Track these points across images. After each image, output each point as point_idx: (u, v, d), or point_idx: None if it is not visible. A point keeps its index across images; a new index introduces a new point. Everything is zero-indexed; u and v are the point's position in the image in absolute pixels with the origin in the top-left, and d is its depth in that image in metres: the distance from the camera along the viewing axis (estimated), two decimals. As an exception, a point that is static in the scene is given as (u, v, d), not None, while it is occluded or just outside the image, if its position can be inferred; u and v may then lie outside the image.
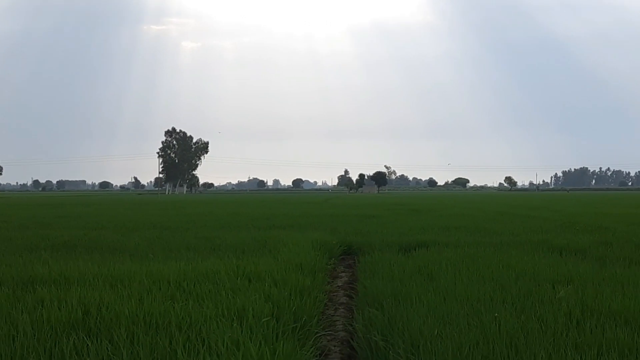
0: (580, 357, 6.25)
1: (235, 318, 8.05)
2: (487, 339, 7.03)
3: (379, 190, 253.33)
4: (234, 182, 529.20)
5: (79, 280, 11.15)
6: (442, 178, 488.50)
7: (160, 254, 15.52)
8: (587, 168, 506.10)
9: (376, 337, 7.52)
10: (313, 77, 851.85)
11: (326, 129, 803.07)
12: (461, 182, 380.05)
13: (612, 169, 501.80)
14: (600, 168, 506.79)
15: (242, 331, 7.29)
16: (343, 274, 15.54)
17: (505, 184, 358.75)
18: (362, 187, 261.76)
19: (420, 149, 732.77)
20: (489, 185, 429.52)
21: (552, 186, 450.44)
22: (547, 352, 6.51)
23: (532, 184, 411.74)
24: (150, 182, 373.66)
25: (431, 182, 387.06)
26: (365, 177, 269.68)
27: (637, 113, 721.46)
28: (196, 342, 7.02)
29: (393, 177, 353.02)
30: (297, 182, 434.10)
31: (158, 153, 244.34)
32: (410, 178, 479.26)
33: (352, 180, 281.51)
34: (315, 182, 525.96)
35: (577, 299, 9.35)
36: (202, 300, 9.25)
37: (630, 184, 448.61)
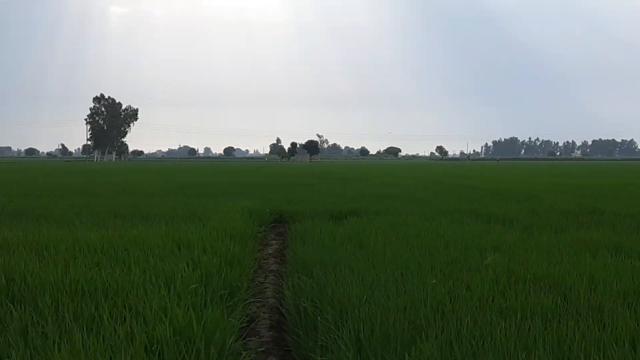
0: (505, 322, 6.33)
1: (163, 285, 7.96)
2: (414, 304, 7.07)
3: (311, 159, 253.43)
4: (165, 149, 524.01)
5: (3, 247, 10.90)
6: (374, 147, 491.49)
7: (88, 222, 15.27)
8: (516, 138, 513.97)
9: (305, 303, 7.51)
10: (245, 44, 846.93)
11: (258, 97, 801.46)
12: (393, 152, 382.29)
13: (541, 139, 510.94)
14: (530, 138, 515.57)
15: (169, 298, 7.22)
16: (274, 242, 15.56)
17: (437, 154, 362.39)
18: (294, 155, 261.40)
19: (353, 118, 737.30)
20: (420, 154, 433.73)
21: (483, 156, 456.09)
22: (473, 317, 6.58)
23: (463, 153, 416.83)
24: (79, 149, 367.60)
25: (363, 151, 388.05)
26: (297, 146, 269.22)
27: (566, 85, 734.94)
28: (123, 308, 6.93)
29: (325, 146, 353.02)
30: (229, 151, 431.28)
31: (86, 120, 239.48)
32: (343, 147, 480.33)
33: (284, 149, 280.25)
34: (247, 151, 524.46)
35: (504, 265, 9.48)
36: (129, 267, 9.13)
37: (558, 153, 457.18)
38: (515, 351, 5.49)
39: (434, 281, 8.33)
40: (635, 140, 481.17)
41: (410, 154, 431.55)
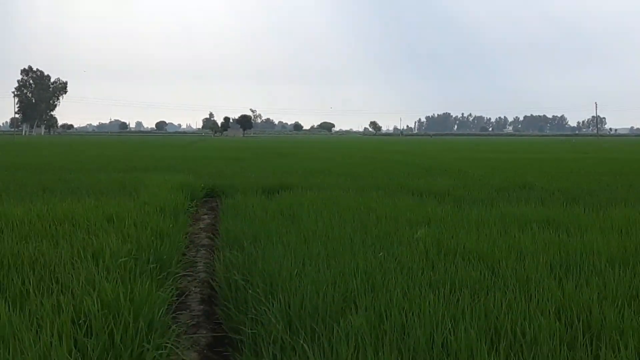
0: (434, 294, 6.40)
1: (91, 258, 7.87)
2: (345, 278, 7.11)
3: (244, 134, 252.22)
4: (95, 123, 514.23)
5: None
6: (308, 122, 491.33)
7: (15, 196, 14.96)
8: (449, 114, 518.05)
9: (236, 276, 7.50)
10: (177, 16, 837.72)
11: (191, 71, 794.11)
12: (327, 127, 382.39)
13: (473, 115, 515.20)
14: (463, 114, 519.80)
15: (98, 271, 7.13)
16: (206, 217, 15.50)
17: (370, 129, 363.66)
18: (227, 130, 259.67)
19: (287, 92, 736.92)
20: (354, 129, 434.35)
21: (416, 131, 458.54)
22: (403, 289, 6.63)
23: (397, 128, 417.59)
24: (6, 122, 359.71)
25: (297, 126, 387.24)
26: (231, 121, 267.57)
27: (499, 61, 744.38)
28: (50, 282, 6.84)
29: (259, 120, 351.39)
30: (161, 125, 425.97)
31: (14, 92, 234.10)
32: (276, 122, 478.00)
33: (217, 124, 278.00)
34: (180, 125, 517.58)
35: (434, 239, 9.57)
36: (57, 242, 9.00)
37: (490, 129, 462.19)
38: (443, 322, 5.55)
39: (381, 254, 8.39)
40: (565, 116, 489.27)
41: (344, 129, 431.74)
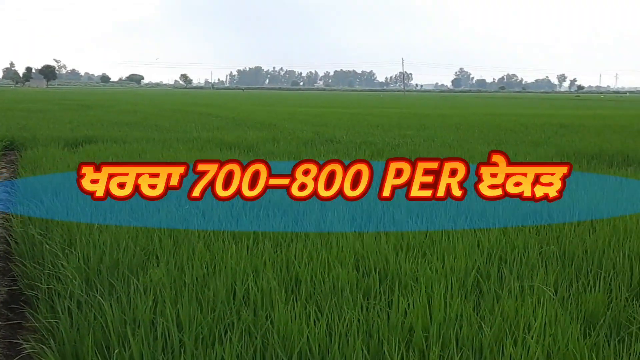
0: (237, 246, 6.46)
1: None
2: (148, 232, 7.06)
3: (48, 85, 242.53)
4: None
5: None
6: (116, 74, 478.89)
7: None
8: (261, 67, 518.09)
9: (33, 231, 7.25)
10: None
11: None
12: (135, 79, 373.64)
13: (285, 69, 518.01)
14: (274, 68, 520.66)
15: None
16: (4, 170, 14.90)
17: (181, 82, 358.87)
18: (29, 81, 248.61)
19: (93, 42, 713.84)
20: (164, 82, 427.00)
21: (228, 85, 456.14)
22: (206, 242, 6.69)
23: (208, 82, 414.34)
24: None
25: (104, 78, 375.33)
26: (33, 71, 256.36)
27: (309, 14, 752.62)
28: None
29: (63, 71, 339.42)
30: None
31: None
32: (82, 73, 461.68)
33: (18, 74, 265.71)
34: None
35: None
36: None
37: (301, 83, 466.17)
38: (245, 273, 5.60)
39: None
40: (374, 71, 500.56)
41: (153, 81, 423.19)
